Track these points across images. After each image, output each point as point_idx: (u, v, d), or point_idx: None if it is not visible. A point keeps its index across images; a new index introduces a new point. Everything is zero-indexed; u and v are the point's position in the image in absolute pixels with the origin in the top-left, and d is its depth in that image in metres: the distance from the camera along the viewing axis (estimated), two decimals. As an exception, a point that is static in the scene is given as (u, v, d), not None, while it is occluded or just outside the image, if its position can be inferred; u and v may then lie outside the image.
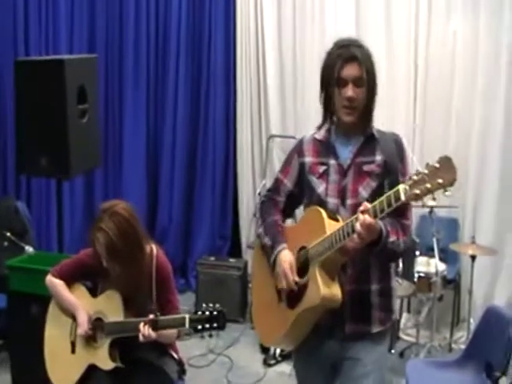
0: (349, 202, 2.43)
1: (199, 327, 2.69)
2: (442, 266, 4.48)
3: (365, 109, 2.43)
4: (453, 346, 4.77)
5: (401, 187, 2.03)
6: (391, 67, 5.31)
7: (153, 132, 6.01)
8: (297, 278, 2.41)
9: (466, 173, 5.07)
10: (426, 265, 4.53)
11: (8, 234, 4.05)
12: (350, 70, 2.38)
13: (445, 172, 1.96)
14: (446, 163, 1.97)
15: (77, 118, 4.02)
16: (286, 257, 2.46)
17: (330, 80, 2.42)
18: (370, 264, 2.43)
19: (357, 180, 2.43)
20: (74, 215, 5.46)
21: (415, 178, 2.00)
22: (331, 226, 2.32)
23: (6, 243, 4.04)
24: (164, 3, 5.85)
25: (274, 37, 5.91)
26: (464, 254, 4.67)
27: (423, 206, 4.01)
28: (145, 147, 5.93)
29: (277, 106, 6.00)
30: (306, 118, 5.74)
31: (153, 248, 2.98)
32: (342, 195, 2.44)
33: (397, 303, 2.61)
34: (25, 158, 4.04)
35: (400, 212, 2.31)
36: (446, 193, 2.00)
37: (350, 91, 2.37)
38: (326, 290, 2.29)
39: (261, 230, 2.62)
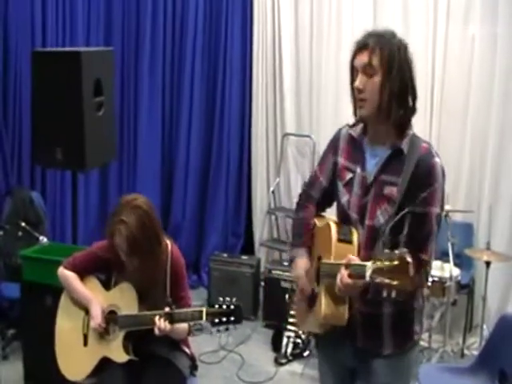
0: (367, 222, 2.27)
1: (216, 321, 2.68)
2: (456, 271, 4.44)
3: (380, 102, 2.18)
4: (465, 351, 4.72)
5: (367, 267, 1.94)
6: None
7: (168, 127, 6.00)
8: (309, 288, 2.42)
9: (482, 178, 5.03)
10: (441, 269, 4.48)
11: (23, 224, 4.05)
12: (360, 58, 2.20)
13: (401, 274, 1.86)
14: (404, 266, 1.86)
15: (93, 111, 4.03)
16: (302, 264, 2.46)
17: (350, 72, 2.27)
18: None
19: (376, 202, 2.25)
20: (89, 208, 5.46)
21: (383, 263, 1.89)
22: (337, 252, 2.23)
23: (20, 233, 4.05)
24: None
25: (290, 35, 5.89)
26: (478, 259, 4.62)
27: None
28: (160, 142, 5.92)
29: (292, 105, 5.99)
30: (322, 116, 5.72)
31: (167, 243, 2.98)
32: (361, 213, 2.29)
33: (420, 323, 2.39)
34: (40, 150, 4.06)
35: (420, 243, 2.16)
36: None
37: (357, 81, 2.20)
38: (328, 310, 2.24)
39: (291, 228, 2.61)
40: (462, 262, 4.73)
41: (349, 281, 2.07)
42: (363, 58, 2.19)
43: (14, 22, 4.79)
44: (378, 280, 1.90)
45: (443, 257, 4.50)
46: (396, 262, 1.86)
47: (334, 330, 2.35)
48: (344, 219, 2.35)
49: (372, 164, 2.29)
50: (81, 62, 3.83)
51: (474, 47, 5.02)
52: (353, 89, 2.26)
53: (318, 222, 2.53)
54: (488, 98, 4.97)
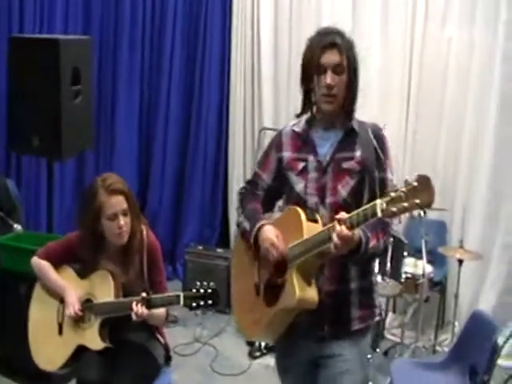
0: (328, 200, 2.39)
1: (193, 304, 2.70)
2: (429, 268, 4.48)
3: (346, 98, 2.37)
4: (437, 347, 4.78)
5: (378, 202, 2.01)
6: (386, 72, 5.30)
7: (145, 117, 5.96)
8: (283, 247, 2.36)
9: (456, 176, 5.09)
10: (414, 266, 4.53)
11: (-4, 211, 4.00)
12: (330, 57, 2.33)
13: (422, 192, 1.93)
14: (425, 183, 1.94)
15: (70, 99, 4.01)
16: (270, 229, 2.41)
17: (310, 67, 2.37)
18: (349, 263, 2.38)
19: (336, 178, 2.38)
20: (64, 196, 5.40)
21: (393, 194, 1.97)
22: (309, 230, 2.29)
23: (-6, 220, 4.00)
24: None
25: (269, 29, 5.89)
26: (451, 257, 4.67)
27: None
28: (137, 132, 5.88)
29: (270, 99, 5.99)
30: (298, 111, 5.71)
31: (143, 228, 2.96)
32: (321, 193, 2.40)
33: (378, 297, 2.59)
34: (16, 136, 4.02)
35: None
36: (422, 213, 1.99)
37: (328, 78, 2.31)
38: (302, 292, 2.28)
39: (241, 219, 2.58)
40: (435, 259, 4.78)
41: (348, 232, 2.11)
42: (334, 58, 2.33)
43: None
44: (394, 209, 1.96)
45: (416, 254, 4.56)
46: (415, 184, 1.93)
47: (290, 329, 2.42)
48: (301, 206, 2.39)
49: (325, 147, 2.42)
50: (59, 50, 3.81)
51: (450, 49, 5.06)
52: (306, 84, 2.40)
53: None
54: (463, 98, 5.01)
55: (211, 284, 2.74)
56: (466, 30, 4.97)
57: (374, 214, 2.03)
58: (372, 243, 2.26)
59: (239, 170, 6.17)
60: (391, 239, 4.23)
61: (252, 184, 2.65)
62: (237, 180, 6.15)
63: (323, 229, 2.23)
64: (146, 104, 5.94)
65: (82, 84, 4.12)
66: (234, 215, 6.16)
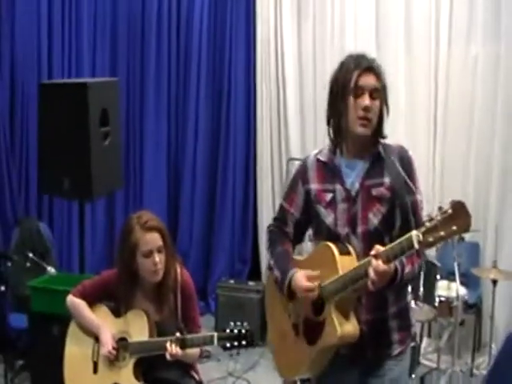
0: (359, 229, 2.35)
1: (228, 345, 2.70)
2: (463, 291, 4.43)
3: (378, 123, 2.35)
4: (474, 371, 4.70)
5: (414, 234, 1.99)
6: (411, 91, 5.31)
7: (174, 155, 6.06)
8: (317, 281, 2.34)
9: (487, 196, 5.05)
10: (447, 289, 4.48)
11: (30, 254, 4.08)
12: (368, 80, 2.31)
13: (458, 218, 1.91)
14: (460, 209, 1.91)
15: (99, 141, 4.06)
16: (301, 276, 2.37)
17: (344, 89, 2.32)
18: (386, 291, 2.34)
19: (366, 206, 2.34)
20: (95, 236, 5.49)
21: (428, 224, 1.95)
22: (344, 264, 2.27)
23: (28, 264, 4.07)
24: (185, 27, 5.92)
25: (293, 60, 5.94)
26: (485, 278, 4.62)
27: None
28: (166, 170, 5.97)
29: (297, 129, 6.02)
30: (326, 140, 5.71)
31: (177, 265, 3.00)
32: (352, 223, 2.36)
33: (414, 315, 2.58)
34: (47, 180, 4.10)
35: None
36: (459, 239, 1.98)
37: (366, 100, 2.28)
38: (343, 329, 2.27)
39: (271, 262, 2.55)
40: (469, 281, 4.73)
41: (385, 267, 2.09)
42: (371, 81, 2.31)
43: (20, 53, 4.88)
44: (431, 239, 1.93)
45: (450, 276, 4.50)
46: (450, 211, 1.91)
47: (332, 362, 2.39)
48: (332, 239, 2.38)
49: (352, 176, 2.39)
50: (87, 93, 3.88)
51: (476, 67, 5.07)
52: (337, 108, 2.35)
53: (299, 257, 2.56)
54: (492, 116, 5.01)
55: (245, 324, 2.74)
56: (490, 47, 4.98)
57: (411, 246, 2.01)
58: (407, 269, 2.24)
59: (268, 202, 6.18)
60: (423, 263, 4.20)
61: (280, 221, 2.61)
62: (266, 212, 6.16)
63: (359, 265, 2.21)
64: (173, 142, 6.04)
65: (111, 125, 4.19)
66: (264, 248, 6.14)
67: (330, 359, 2.41)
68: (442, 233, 1.92)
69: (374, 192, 2.34)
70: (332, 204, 2.40)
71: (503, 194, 5.00)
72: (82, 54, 5.25)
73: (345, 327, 2.27)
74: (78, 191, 4.02)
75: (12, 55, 4.84)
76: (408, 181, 2.30)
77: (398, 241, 2.07)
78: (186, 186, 6.04)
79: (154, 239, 2.85)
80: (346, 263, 2.27)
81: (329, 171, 2.44)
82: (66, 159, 3.97)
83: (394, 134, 5.21)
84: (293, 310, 2.50)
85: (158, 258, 2.85)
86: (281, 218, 2.61)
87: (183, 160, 6.04)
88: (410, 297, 2.52)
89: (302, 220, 2.55)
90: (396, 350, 2.43)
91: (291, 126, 6.02)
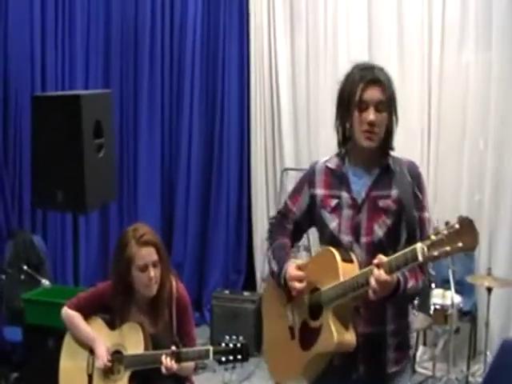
0: (363, 240, 2.33)
1: (223, 359, 2.69)
2: (457, 298, 4.45)
3: (385, 136, 2.34)
4: (470, 379, 4.70)
5: (418, 247, 1.97)
6: (404, 99, 5.29)
7: (167, 166, 6.06)
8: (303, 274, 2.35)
9: (480, 204, 5.06)
10: (442, 297, 4.49)
11: (25, 267, 4.07)
12: (373, 93, 2.28)
13: (465, 235, 1.88)
14: (467, 226, 1.89)
15: (93, 153, 4.06)
16: (291, 266, 2.39)
17: (349, 103, 2.31)
18: (386, 304, 2.31)
19: (372, 217, 2.32)
20: (89, 249, 5.48)
21: (434, 238, 1.93)
22: (345, 271, 2.24)
23: (22, 276, 4.07)
24: (178, 38, 5.94)
25: (287, 70, 5.97)
26: (480, 285, 4.63)
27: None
28: (159, 182, 5.97)
29: (291, 139, 6.04)
30: (321, 150, 5.73)
31: (172, 279, 3.00)
32: (355, 232, 2.34)
33: (414, 337, 2.55)
34: (41, 193, 4.09)
35: None
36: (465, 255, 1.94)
37: (371, 115, 2.27)
38: (339, 336, 2.24)
39: (269, 253, 2.56)
40: (464, 289, 4.74)
41: (387, 277, 2.07)
42: (377, 94, 2.29)
43: (13, 65, 4.86)
44: (436, 253, 1.91)
45: (444, 284, 4.51)
46: (457, 226, 1.89)
47: (326, 371, 2.36)
48: (334, 245, 2.36)
49: (359, 185, 2.37)
50: (80, 105, 3.88)
51: (468, 74, 5.10)
52: (343, 120, 2.36)
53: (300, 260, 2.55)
54: (484, 123, 5.04)
55: (240, 338, 2.73)
56: (482, 54, 5.02)
57: (415, 258, 1.99)
58: (410, 284, 2.21)
59: (262, 212, 6.18)
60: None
61: (282, 216, 2.61)
62: (261, 222, 6.16)
63: (360, 272, 2.19)
64: (167, 152, 6.04)
65: (105, 137, 4.19)
66: (259, 258, 6.16)
67: (324, 369, 2.39)
68: (448, 248, 1.89)
69: (381, 203, 2.33)
70: (337, 210, 2.39)
71: (496, 201, 5.01)
72: (75, 66, 5.25)
73: (342, 335, 2.25)
74: (71, 204, 4.01)
75: (5, 67, 4.83)
76: (419, 195, 2.30)
77: (403, 251, 2.06)
78: (179, 198, 6.04)
79: (149, 254, 2.84)
80: (347, 270, 2.24)
81: (336, 178, 2.43)
82: (59, 171, 3.96)
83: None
84: (290, 313, 2.48)
85: (153, 272, 2.85)
86: (283, 213, 2.61)
87: (177, 171, 6.04)
88: (411, 317, 2.46)
89: (301, 221, 2.56)
90: (390, 369, 2.38)
91: (285, 137, 6.04)
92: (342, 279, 2.23)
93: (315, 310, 2.35)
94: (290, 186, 5.95)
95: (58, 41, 5.13)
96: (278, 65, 5.99)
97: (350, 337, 2.27)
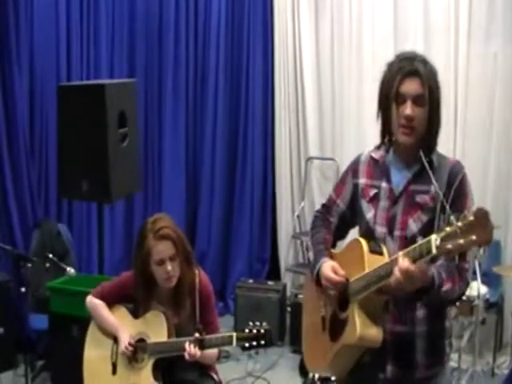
0: (397, 233, 2.27)
1: (246, 345, 2.70)
2: (484, 289, 4.38)
3: (426, 132, 2.23)
4: (496, 371, 4.67)
5: (433, 238, 1.89)
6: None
7: (192, 156, 6.07)
8: (342, 278, 2.28)
9: (508, 192, 5.01)
10: (468, 288, 4.44)
11: (50, 255, 4.10)
12: (411, 86, 2.18)
13: (480, 228, 1.78)
14: (483, 218, 1.79)
15: (117, 143, 4.07)
16: (328, 265, 2.33)
17: (388, 95, 2.22)
18: (416, 303, 2.24)
19: (407, 211, 2.26)
20: (114, 238, 5.52)
21: (448, 229, 1.84)
22: (371, 262, 2.18)
23: (47, 265, 4.10)
24: (203, 29, 5.93)
25: (311, 59, 5.93)
26: (507, 276, 4.58)
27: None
28: (184, 171, 5.98)
29: (315, 128, 6.00)
30: (345, 139, 5.72)
31: (195, 270, 3.00)
32: (390, 224, 2.29)
33: (452, 344, 2.42)
34: (66, 182, 4.11)
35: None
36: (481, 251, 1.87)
37: (408, 109, 2.18)
38: (363, 330, 2.18)
39: (309, 244, 2.54)
40: (490, 279, 4.67)
41: (410, 266, 1.98)
42: (415, 88, 2.19)
43: (39, 56, 4.92)
44: (450, 246, 1.84)
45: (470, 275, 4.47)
46: (471, 218, 1.80)
47: (356, 368, 2.33)
48: (369, 236, 2.32)
49: (399, 177, 2.31)
50: (105, 95, 3.90)
51: (496, 65, 5.02)
52: (384, 112, 2.27)
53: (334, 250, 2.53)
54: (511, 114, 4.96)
55: (263, 324, 2.73)
56: (510, 45, 4.94)
57: (429, 251, 1.91)
58: (446, 287, 2.11)
59: (287, 201, 6.17)
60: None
61: (326, 208, 2.57)
62: (285, 211, 6.15)
63: (384, 263, 2.13)
64: (191, 143, 6.05)
65: (129, 127, 4.20)
66: (283, 247, 6.17)
67: (354, 364, 2.35)
68: (461, 241, 1.81)
69: (418, 198, 2.25)
70: (374, 200, 2.35)
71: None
72: (100, 56, 5.29)
73: (366, 329, 2.19)
74: (96, 193, 4.04)
75: (31, 57, 4.88)
76: (459, 196, 2.21)
77: (419, 243, 2.00)
78: (204, 187, 6.04)
79: (166, 248, 2.84)
80: (373, 262, 2.19)
81: (378, 168, 2.38)
82: (84, 161, 4.00)
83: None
84: (323, 304, 2.46)
85: (171, 266, 2.84)
86: (327, 207, 2.58)
87: (201, 162, 6.04)
88: (448, 323, 2.35)
89: (347, 213, 2.50)
90: (419, 374, 2.28)
91: (309, 125, 6.00)
92: (366, 270, 2.19)
93: (344, 302, 2.32)
94: (314, 175, 5.95)
95: (83, 30, 5.16)
96: (302, 53, 5.95)
97: (375, 332, 2.21)
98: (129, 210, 5.67)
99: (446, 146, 5.16)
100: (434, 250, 1.90)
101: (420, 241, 2.02)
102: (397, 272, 2.01)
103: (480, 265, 4.30)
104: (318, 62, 5.92)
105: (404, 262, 2.00)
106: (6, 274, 4.61)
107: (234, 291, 5.56)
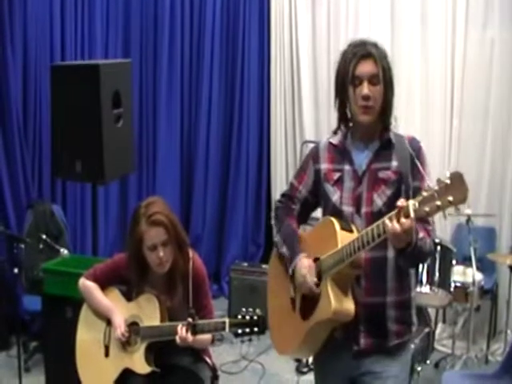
0: (363, 210, 2.37)
1: (239, 331, 2.68)
2: (479, 276, 4.39)
3: (382, 109, 2.36)
4: (489, 357, 4.68)
5: (410, 203, 2.00)
6: (427, 75, 5.25)
7: (187, 138, 6.04)
8: (315, 279, 2.35)
9: (503, 181, 5.01)
10: (463, 274, 4.44)
11: (44, 236, 4.08)
12: (366, 67, 2.32)
13: (455, 189, 1.90)
14: (458, 180, 1.91)
15: (111, 123, 4.05)
16: (304, 264, 2.40)
17: (344, 79, 2.35)
18: (386, 275, 2.37)
19: (372, 187, 2.37)
20: (109, 219, 5.50)
21: (425, 194, 1.96)
22: (344, 239, 2.28)
23: (41, 246, 4.07)
24: (198, 9, 5.88)
25: (308, 43, 5.89)
26: (501, 263, 4.58)
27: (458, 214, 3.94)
28: (179, 153, 5.95)
29: (311, 112, 5.97)
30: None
31: (189, 251, 2.97)
32: (356, 203, 2.39)
33: (416, 314, 2.52)
34: (60, 163, 4.09)
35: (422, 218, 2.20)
36: (456, 211, 1.93)
37: (365, 89, 2.30)
38: (337, 303, 2.26)
39: (277, 239, 2.57)
40: (485, 266, 4.68)
41: (408, 222, 2.03)
42: (369, 68, 2.32)
43: (33, 35, 4.86)
44: (427, 209, 1.95)
45: (465, 262, 4.47)
46: (447, 182, 1.92)
47: (328, 345, 2.40)
48: (336, 216, 2.39)
49: (361, 158, 2.42)
50: (99, 75, 3.87)
51: (493, 51, 5.01)
52: (341, 97, 2.40)
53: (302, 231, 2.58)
54: (508, 100, 4.97)
55: (257, 310, 2.71)
56: (507, 31, 4.92)
57: (407, 214, 2.01)
58: (421, 234, 2.22)
59: (282, 185, 6.14)
60: (438, 248, 4.18)
61: (288, 197, 2.63)
62: (281, 193, 6.12)
63: (360, 234, 2.21)
64: (186, 125, 6.02)
65: (123, 107, 4.18)
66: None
67: (324, 342, 2.42)
68: (438, 202, 1.92)
69: (381, 174, 2.37)
70: (339, 182, 2.44)
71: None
72: (94, 36, 5.24)
73: (340, 302, 2.27)
74: (90, 174, 4.02)
75: (24, 37, 4.82)
76: (418, 166, 2.31)
77: (396, 210, 2.07)
78: (199, 170, 6.01)
79: (158, 234, 2.81)
80: (346, 239, 2.27)
81: (339, 153, 2.47)
82: (78, 142, 3.98)
83: (410, 118, 5.17)
84: (292, 285, 2.49)
85: (163, 252, 2.82)
86: (289, 195, 2.63)
87: (196, 143, 6.01)
88: (413, 294, 2.47)
89: (308, 199, 2.58)
90: (392, 341, 2.40)
91: (305, 109, 5.97)
92: (340, 246, 2.27)
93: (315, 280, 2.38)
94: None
95: (77, 9, 5.12)
96: (298, 37, 5.90)
97: (349, 305, 2.30)
98: (123, 192, 5.65)
99: (442, 132, 5.16)
100: (411, 214, 2.00)
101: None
102: (395, 226, 2.07)
103: (475, 251, 4.30)
104: (314, 46, 5.88)
105: (407, 221, 2.05)
106: (-1, 255, 4.60)
107: (228, 274, 5.54)
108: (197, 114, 5.99)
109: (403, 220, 2.04)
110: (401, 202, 2.08)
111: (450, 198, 1.90)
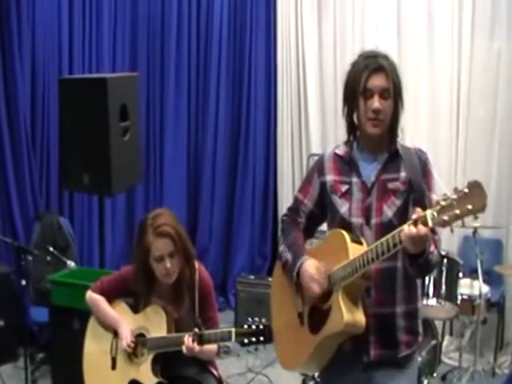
0: (373, 221, 2.36)
1: (245, 341, 2.68)
2: (485, 289, 4.37)
3: (391, 123, 2.37)
4: (496, 370, 4.66)
5: (428, 213, 1.99)
6: (433, 85, 5.26)
7: (193, 150, 6.05)
8: (324, 280, 2.33)
9: (510, 192, 5.00)
10: (470, 287, 4.43)
11: (51, 248, 4.10)
12: (377, 81, 2.32)
13: (474, 197, 1.89)
14: (476, 188, 1.90)
15: (119, 136, 4.07)
16: (311, 264, 2.38)
17: (355, 91, 2.35)
18: (396, 286, 2.37)
19: (381, 198, 2.36)
20: (116, 231, 5.51)
21: (443, 203, 1.94)
22: (355, 251, 2.26)
23: (48, 258, 4.09)
24: (205, 22, 5.91)
25: (314, 56, 5.91)
26: (509, 276, 4.56)
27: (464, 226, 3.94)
28: (185, 165, 5.97)
29: (317, 125, 5.98)
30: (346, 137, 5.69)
31: (195, 263, 2.99)
32: (366, 214, 2.37)
33: (422, 324, 2.52)
34: (68, 175, 4.12)
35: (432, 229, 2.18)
36: (476, 219, 1.93)
37: (376, 103, 2.30)
38: (349, 316, 2.24)
39: (281, 248, 2.55)
40: (492, 279, 4.66)
41: (425, 229, 2.02)
42: (381, 82, 2.32)
43: (41, 49, 4.90)
44: (446, 217, 1.93)
45: (472, 274, 4.46)
46: (466, 190, 1.91)
47: (337, 357, 2.38)
48: (345, 228, 2.37)
49: (368, 169, 2.41)
50: (107, 88, 3.89)
51: (499, 61, 5.02)
52: (350, 108, 2.40)
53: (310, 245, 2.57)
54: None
55: (263, 320, 2.72)
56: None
57: (425, 223, 2.00)
58: (431, 248, 2.22)
59: (288, 198, 6.13)
60: (445, 260, 4.18)
61: (293, 211, 2.61)
62: (286, 206, 6.10)
63: (374, 244, 2.18)
64: (193, 138, 6.04)
65: (130, 120, 4.20)
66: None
67: (333, 355, 2.40)
68: (457, 211, 1.91)
69: (390, 185, 2.37)
70: (347, 194, 2.42)
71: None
72: (102, 49, 5.27)
73: (352, 314, 2.25)
74: (97, 186, 4.03)
75: (33, 50, 4.86)
76: (427, 177, 2.34)
77: (413, 219, 2.05)
78: (205, 182, 6.03)
79: (165, 245, 2.82)
80: (357, 251, 2.26)
81: (345, 164, 2.46)
82: (86, 154, 3.99)
83: (417, 128, 5.16)
84: (300, 299, 2.48)
85: (170, 263, 2.83)
86: (294, 209, 2.61)
87: (203, 156, 6.03)
88: (420, 305, 2.47)
89: (315, 211, 2.55)
90: (401, 352, 2.39)
91: (312, 122, 5.98)
92: (351, 257, 2.25)
93: (324, 294, 2.36)
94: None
95: (85, 23, 5.15)
96: (305, 50, 5.93)
97: (360, 317, 2.28)
98: (130, 204, 5.66)
99: (449, 142, 5.16)
100: (430, 223, 1.99)
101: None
102: (412, 232, 2.05)
103: (482, 264, 4.29)
104: (321, 59, 5.90)
105: (421, 227, 2.04)
106: (7, 267, 4.62)
107: (234, 286, 5.54)
108: (203, 126, 6.01)
109: (420, 226, 2.03)
110: (417, 213, 2.06)
111: (470, 207, 1.89)
